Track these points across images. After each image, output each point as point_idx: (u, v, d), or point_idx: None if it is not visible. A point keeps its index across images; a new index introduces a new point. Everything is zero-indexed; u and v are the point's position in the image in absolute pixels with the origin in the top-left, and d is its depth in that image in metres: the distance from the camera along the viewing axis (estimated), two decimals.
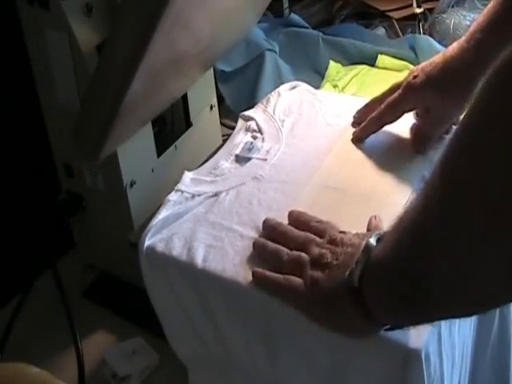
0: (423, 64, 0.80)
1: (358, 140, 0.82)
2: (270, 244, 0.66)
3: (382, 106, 0.80)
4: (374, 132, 0.81)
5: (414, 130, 0.81)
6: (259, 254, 0.67)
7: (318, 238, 0.64)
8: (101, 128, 0.68)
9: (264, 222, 0.69)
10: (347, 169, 0.78)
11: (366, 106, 0.83)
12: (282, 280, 0.62)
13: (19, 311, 0.79)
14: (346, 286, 0.55)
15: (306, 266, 0.61)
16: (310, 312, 0.61)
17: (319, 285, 0.58)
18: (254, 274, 0.64)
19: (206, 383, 0.76)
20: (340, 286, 0.56)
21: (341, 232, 0.63)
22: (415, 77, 0.78)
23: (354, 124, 0.84)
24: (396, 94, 0.79)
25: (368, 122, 0.81)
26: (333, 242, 0.61)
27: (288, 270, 0.63)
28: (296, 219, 0.69)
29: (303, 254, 0.63)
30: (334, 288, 0.57)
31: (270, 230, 0.68)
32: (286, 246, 0.65)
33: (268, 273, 0.64)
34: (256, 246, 0.67)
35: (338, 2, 1.42)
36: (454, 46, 0.76)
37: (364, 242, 0.57)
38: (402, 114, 0.80)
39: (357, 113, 0.84)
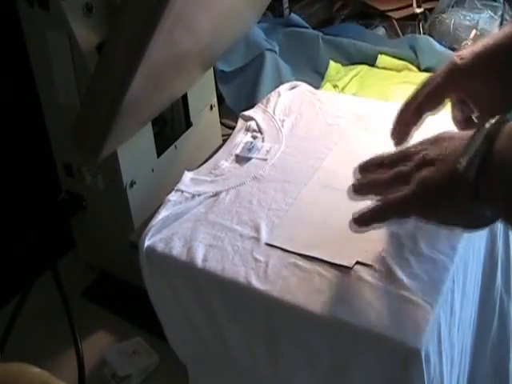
0: (468, 47, 0.69)
1: (399, 142, 0.70)
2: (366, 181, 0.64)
3: (423, 93, 0.69)
4: (414, 125, 0.69)
5: (463, 124, 0.71)
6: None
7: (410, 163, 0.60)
8: (101, 128, 0.68)
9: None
10: (347, 169, 0.78)
11: (402, 111, 0.70)
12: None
13: (19, 311, 0.79)
14: (461, 176, 0.53)
15: (411, 172, 0.58)
16: (420, 211, 0.58)
17: (428, 181, 0.56)
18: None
19: (205, 383, 0.76)
20: (453, 176, 0.53)
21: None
22: (462, 58, 0.68)
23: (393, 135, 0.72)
24: (439, 79, 0.68)
25: (411, 111, 0.70)
26: (428, 157, 0.58)
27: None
28: (373, 167, 0.65)
29: (404, 166, 0.60)
30: (447, 180, 0.54)
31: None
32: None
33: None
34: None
35: (338, 1, 1.43)
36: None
37: (481, 133, 0.52)
38: (444, 101, 0.69)
39: (394, 125, 0.71)
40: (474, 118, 0.70)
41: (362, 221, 0.62)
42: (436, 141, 0.59)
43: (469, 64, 0.67)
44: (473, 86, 0.68)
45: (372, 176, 0.64)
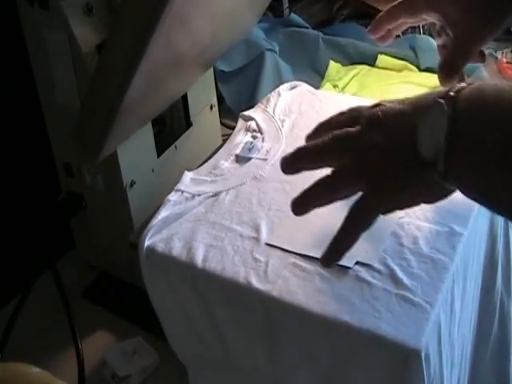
0: None
1: (370, 33, 0.74)
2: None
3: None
4: (388, 22, 0.73)
5: (443, 48, 0.72)
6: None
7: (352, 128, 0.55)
8: (101, 128, 0.68)
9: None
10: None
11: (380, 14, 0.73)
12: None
13: (19, 311, 0.79)
14: (427, 163, 0.49)
15: (356, 137, 0.54)
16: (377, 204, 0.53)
17: (383, 168, 0.52)
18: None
19: (205, 383, 0.76)
20: (416, 161, 0.50)
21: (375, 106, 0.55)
22: None
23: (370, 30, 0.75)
24: None
25: (383, 13, 0.73)
26: (374, 118, 0.53)
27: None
28: (314, 134, 0.60)
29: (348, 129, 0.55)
30: (408, 165, 0.51)
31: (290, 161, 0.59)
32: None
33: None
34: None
35: (338, 1, 1.42)
36: None
37: (437, 111, 0.48)
38: (419, 17, 0.71)
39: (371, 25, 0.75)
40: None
41: (336, 253, 0.56)
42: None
43: None
44: (450, 10, 0.68)
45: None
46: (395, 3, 0.72)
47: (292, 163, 0.58)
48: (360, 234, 0.54)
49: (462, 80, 0.70)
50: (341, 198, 0.55)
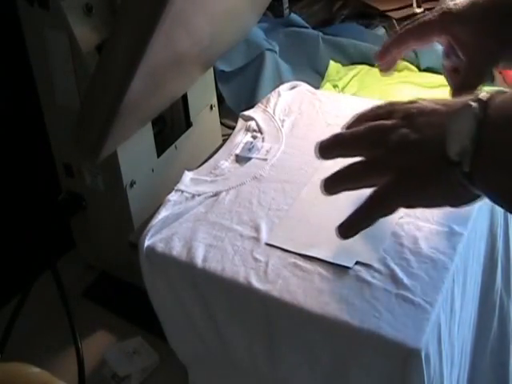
0: None
1: (377, 58, 0.75)
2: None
3: (413, 24, 0.72)
4: (397, 48, 0.74)
5: (452, 78, 0.74)
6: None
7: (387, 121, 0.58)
8: (101, 128, 0.68)
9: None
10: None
11: (389, 39, 0.75)
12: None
13: (19, 311, 0.79)
14: (453, 163, 0.51)
15: (391, 129, 0.56)
16: (404, 201, 0.56)
17: (412, 167, 0.54)
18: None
19: (205, 383, 0.76)
20: (442, 162, 0.51)
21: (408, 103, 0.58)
22: (456, 4, 0.69)
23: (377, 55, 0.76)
24: (430, 16, 0.70)
25: (393, 39, 0.74)
26: (409, 114, 0.56)
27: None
28: (352, 124, 0.62)
29: (383, 121, 0.58)
30: (435, 165, 0.52)
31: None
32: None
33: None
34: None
35: (338, 1, 1.42)
36: None
37: (467, 112, 0.50)
38: (430, 40, 0.72)
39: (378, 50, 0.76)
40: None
41: (348, 229, 0.60)
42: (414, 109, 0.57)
43: (462, 10, 0.68)
44: (462, 33, 0.69)
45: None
46: (405, 30, 0.73)
47: (328, 148, 0.61)
48: (376, 220, 0.58)
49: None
50: (368, 186, 0.58)
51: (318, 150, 0.61)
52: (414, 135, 0.55)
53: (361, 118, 0.62)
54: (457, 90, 0.71)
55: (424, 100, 0.58)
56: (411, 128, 0.55)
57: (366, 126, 0.59)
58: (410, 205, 0.58)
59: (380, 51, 0.76)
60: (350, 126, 0.62)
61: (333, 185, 0.60)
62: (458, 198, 0.54)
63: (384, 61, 0.76)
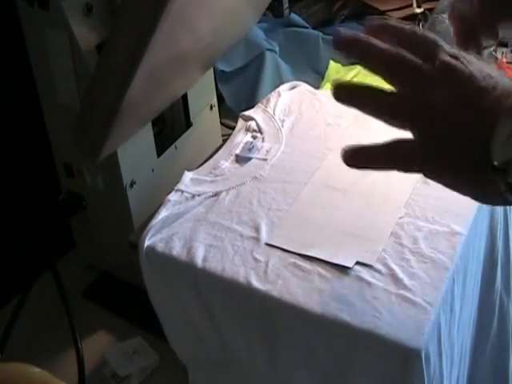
0: None
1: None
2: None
3: None
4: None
5: (458, 25, 0.65)
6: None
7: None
8: (101, 128, 0.68)
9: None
10: (347, 169, 0.78)
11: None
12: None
13: (19, 311, 0.79)
14: (496, 171, 0.45)
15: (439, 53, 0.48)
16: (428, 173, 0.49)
17: (445, 109, 0.47)
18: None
19: (205, 383, 0.76)
20: (483, 166, 0.45)
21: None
22: None
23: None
24: None
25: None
26: (452, 71, 0.48)
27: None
28: (377, 30, 0.53)
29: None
30: (473, 166, 0.46)
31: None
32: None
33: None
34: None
35: (338, 1, 1.42)
36: None
37: None
38: None
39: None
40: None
41: (355, 158, 0.53)
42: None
43: None
44: None
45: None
46: None
47: (349, 45, 0.52)
48: (389, 169, 0.51)
49: (479, 49, 0.65)
50: (389, 124, 0.51)
51: (335, 41, 0.52)
52: (455, 107, 0.48)
53: (390, 31, 0.53)
54: (460, 34, 0.64)
55: (469, 59, 0.49)
56: (452, 94, 0.48)
57: (401, 54, 0.50)
58: (430, 178, 0.51)
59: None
60: (374, 30, 0.53)
61: (357, 158, 0.53)
62: (489, 199, 0.50)
63: None
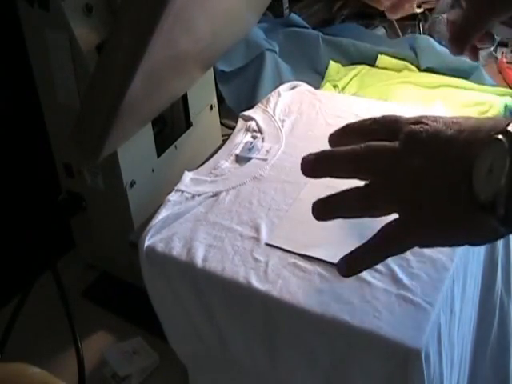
0: None
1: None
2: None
3: None
4: None
5: (452, 24, 0.66)
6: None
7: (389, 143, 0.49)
8: (101, 128, 0.68)
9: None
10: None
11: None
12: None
13: (19, 311, 0.79)
14: (484, 208, 0.44)
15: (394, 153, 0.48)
16: (419, 239, 0.48)
17: (423, 175, 0.46)
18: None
19: (205, 383, 0.76)
20: (470, 204, 0.44)
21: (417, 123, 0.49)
22: None
23: None
24: None
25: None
26: (416, 137, 0.47)
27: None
28: (338, 136, 0.54)
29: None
30: (460, 207, 0.45)
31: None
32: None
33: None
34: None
35: (338, 1, 1.42)
36: None
37: (498, 148, 0.43)
38: None
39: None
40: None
41: (351, 267, 0.52)
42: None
43: None
44: None
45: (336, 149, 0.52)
46: None
47: (315, 166, 0.53)
48: (385, 259, 0.51)
49: (475, 52, 0.67)
50: (369, 217, 0.51)
51: (302, 167, 0.53)
52: (425, 165, 0.47)
53: (351, 131, 0.54)
54: (454, 37, 0.64)
55: (431, 119, 0.49)
56: (421, 156, 0.48)
57: (364, 146, 0.50)
58: (425, 245, 0.51)
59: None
60: (335, 136, 0.55)
61: (324, 212, 0.52)
62: (482, 237, 0.48)
63: (388, 3, 0.69)
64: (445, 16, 1.28)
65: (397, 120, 0.52)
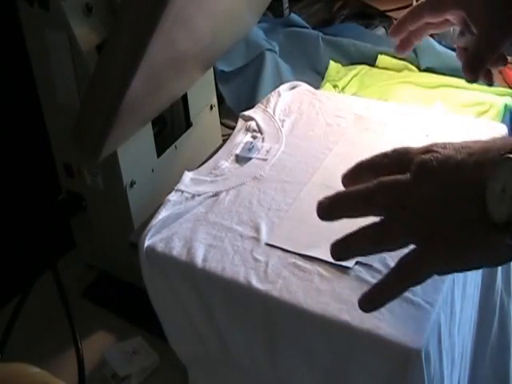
0: None
1: (392, 33, 0.72)
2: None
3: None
4: (409, 25, 0.70)
5: (463, 51, 0.69)
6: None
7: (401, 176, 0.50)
8: (101, 128, 0.68)
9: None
10: (347, 169, 0.78)
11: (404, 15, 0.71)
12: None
13: (19, 311, 0.79)
14: (498, 230, 0.44)
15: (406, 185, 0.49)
16: (436, 267, 0.49)
17: (435, 204, 0.47)
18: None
19: (205, 383, 0.76)
20: (483, 225, 0.45)
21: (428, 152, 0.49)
22: None
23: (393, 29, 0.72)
24: None
25: (408, 12, 0.70)
26: (427, 167, 0.48)
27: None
28: (352, 175, 0.55)
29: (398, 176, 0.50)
30: (475, 227, 0.46)
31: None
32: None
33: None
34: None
35: (338, 1, 1.42)
36: None
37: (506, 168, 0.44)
38: (443, 16, 0.69)
39: (393, 25, 0.72)
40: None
41: (372, 303, 0.52)
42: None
43: None
44: (475, 4, 0.65)
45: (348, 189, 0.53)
46: (419, 2, 0.70)
47: (332, 210, 0.54)
48: (405, 291, 0.51)
49: (489, 76, 0.68)
50: (388, 251, 0.52)
51: (318, 211, 0.53)
52: (437, 193, 0.48)
53: (363, 168, 0.55)
54: (468, 65, 0.66)
55: (441, 146, 0.50)
56: (433, 185, 0.48)
57: (376, 182, 0.51)
58: (444, 272, 0.51)
59: (394, 27, 0.71)
60: (348, 176, 0.55)
61: (343, 251, 0.53)
62: (499, 258, 0.49)
63: (399, 36, 0.72)
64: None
65: (407, 151, 0.52)
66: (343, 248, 0.53)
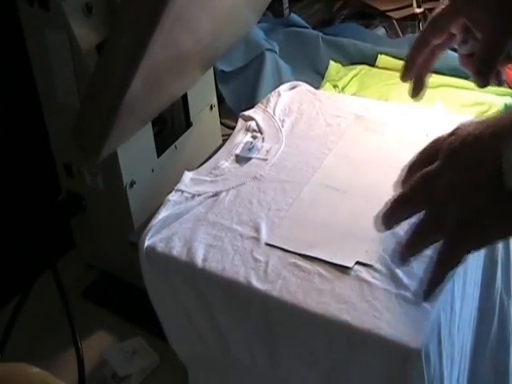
0: None
1: (404, 75, 0.73)
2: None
3: (427, 23, 0.71)
4: (418, 55, 0.72)
5: (467, 58, 0.71)
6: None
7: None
8: (101, 128, 0.68)
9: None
10: (347, 169, 0.78)
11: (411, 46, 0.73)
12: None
13: (19, 311, 0.79)
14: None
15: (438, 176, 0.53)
16: (475, 244, 0.54)
17: (457, 185, 0.51)
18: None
19: (205, 383, 0.76)
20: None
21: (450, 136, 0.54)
22: None
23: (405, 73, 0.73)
24: (442, 7, 0.69)
25: (413, 44, 0.73)
26: (452, 151, 0.53)
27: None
28: (406, 178, 0.59)
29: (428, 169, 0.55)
30: (499, 200, 0.49)
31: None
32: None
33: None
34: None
35: (338, 1, 1.42)
36: None
37: None
38: (448, 29, 0.70)
39: (405, 62, 0.74)
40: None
41: (432, 289, 0.59)
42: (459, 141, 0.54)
43: None
44: (475, 10, 0.67)
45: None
46: (421, 32, 0.72)
47: (386, 222, 0.59)
48: (451, 272, 0.57)
49: (499, 76, 0.69)
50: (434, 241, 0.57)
51: (383, 223, 0.60)
52: (462, 176, 0.52)
53: (411, 169, 0.59)
54: (478, 71, 0.68)
55: (465, 124, 0.54)
56: (458, 169, 0.52)
57: (415, 177, 0.56)
58: (479, 248, 0.56)
59: (405, 66, 0.73)
60: (405, 180, 0.60)
61: (411, 251, 0.59)
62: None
63: (411, 75, 0.73)
64: None
65: (436, 140, 0.57)
66: (409, 247, 0.58)
